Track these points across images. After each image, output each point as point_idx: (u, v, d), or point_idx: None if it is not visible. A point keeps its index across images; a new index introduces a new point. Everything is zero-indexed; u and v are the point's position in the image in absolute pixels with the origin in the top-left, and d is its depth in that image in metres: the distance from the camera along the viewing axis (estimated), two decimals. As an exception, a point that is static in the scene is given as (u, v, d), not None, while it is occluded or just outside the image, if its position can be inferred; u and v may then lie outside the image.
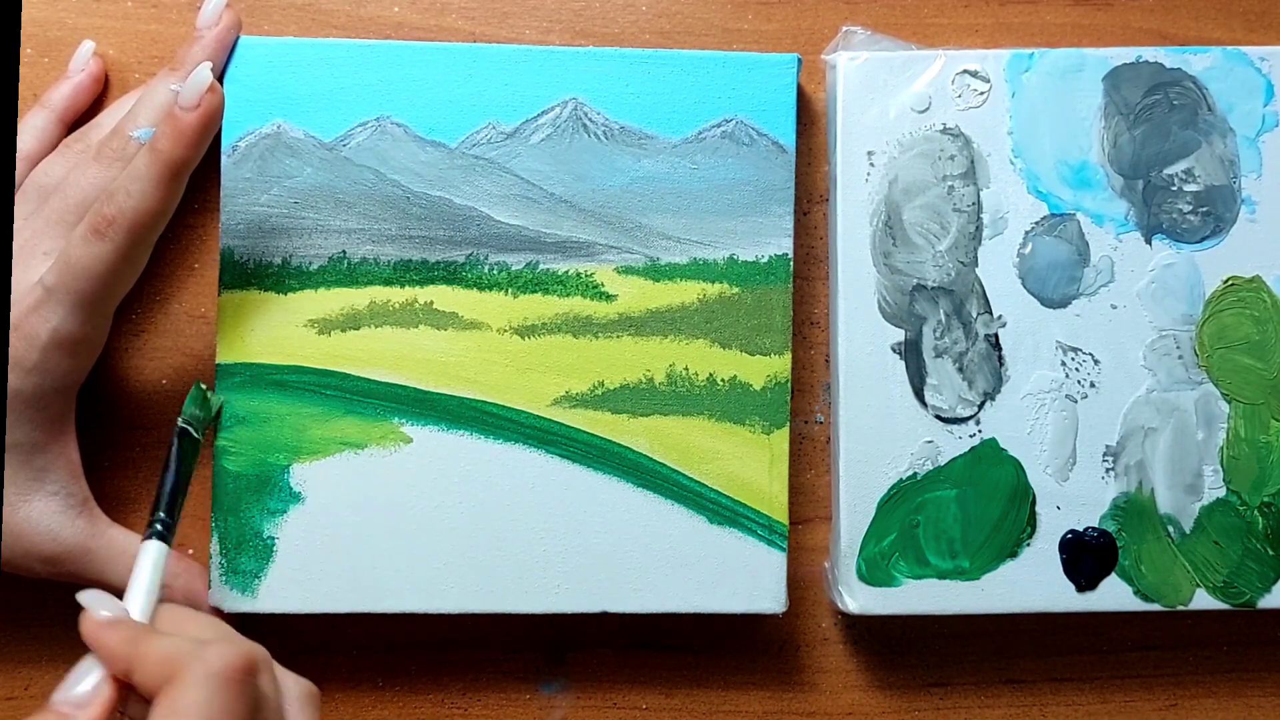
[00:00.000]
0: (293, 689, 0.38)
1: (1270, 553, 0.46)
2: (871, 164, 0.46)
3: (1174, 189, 0.46)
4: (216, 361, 0.44)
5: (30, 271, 0.41)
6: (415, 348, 0.45)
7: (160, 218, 0.41)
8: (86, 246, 0.40)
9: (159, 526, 0.39)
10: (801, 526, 0.48)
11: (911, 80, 0.46)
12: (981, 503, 0.46)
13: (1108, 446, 0.46)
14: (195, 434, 0.42)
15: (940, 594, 0.46)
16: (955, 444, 0.46)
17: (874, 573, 0.46)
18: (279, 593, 0.44)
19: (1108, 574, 0.46)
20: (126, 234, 0.40)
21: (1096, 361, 0.46)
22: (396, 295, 0.45)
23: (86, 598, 0.37)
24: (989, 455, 0.46)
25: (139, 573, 0.38)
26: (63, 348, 0.41)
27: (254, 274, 0.45)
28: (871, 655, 0.48)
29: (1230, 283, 0.46)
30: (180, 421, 0.42)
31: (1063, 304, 0.46)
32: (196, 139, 0.41)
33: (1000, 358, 0.46)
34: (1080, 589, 0.46)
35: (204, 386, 0.43)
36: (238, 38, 0.44)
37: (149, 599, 0.38)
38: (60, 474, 0.42)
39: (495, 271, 0.45)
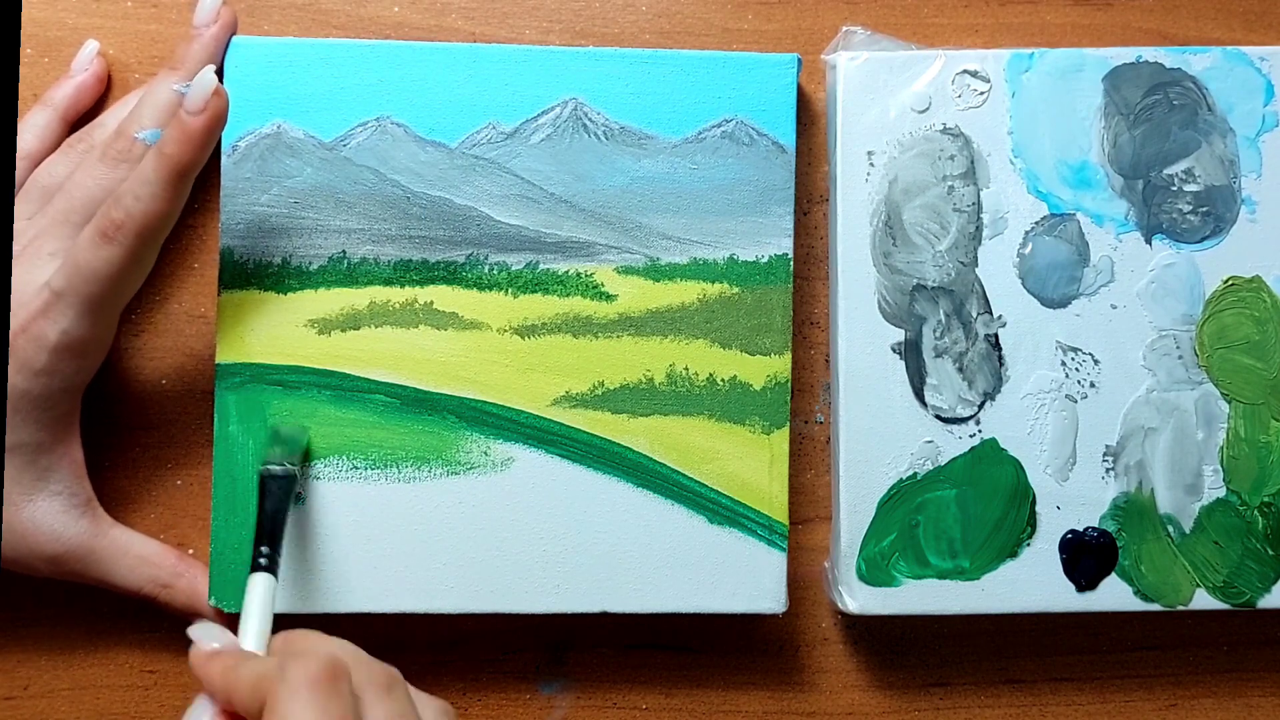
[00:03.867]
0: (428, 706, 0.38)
1: (1270, 553, 0.46)
2: (871, 164, 0.46)
3: (1174, 189, 0.46)
4: (216, 361, 0.44)
5: (35, 272, 0.41)
6: (415, 348, 0.45)
7: (168, 220, 0.41)
8: (95, 250, 0.40)
9: (262, 561, 0.40)
10: (801, 526, 0.48)
11: (911, 80, 0.46)
12: (981, 503, 0.46)
13: (1108, 446, 0.46)
14: (277, 470, 0.42)
15: (940, 594, 0.46)
16: (955, 444, 0.46)
17: (874, 573, 0.46)
18: (279, 593, 0.44)
19: (1108, 574, 0.46)
20: (135, 238, 0.40)
21: (1096, 361, 0.46)
22: (396, 295, 0.45)
23: (195, 631, 0.36)
24: (989, 455, 0.46)
25: (246, 605, 0.38)
26: (72, 350, 0.41)
27: (254, 274, 0.45)
28: (871, 655, 0.48)
29: (1230, 283, 0.46)
30: (261, 469, 0.42)
31: (1063, 304, 0.46)
32: (203, 142, 0.41)
33: (1000, 358, 0.46)
34: (1080, 589, 0.46)
35: (277, 428, 0.44)
36: (233, 35, 0.44)
37: (260, 628, 0.38)
38: (64, 474, 0.42)
39: (495, 271, 0.45)
